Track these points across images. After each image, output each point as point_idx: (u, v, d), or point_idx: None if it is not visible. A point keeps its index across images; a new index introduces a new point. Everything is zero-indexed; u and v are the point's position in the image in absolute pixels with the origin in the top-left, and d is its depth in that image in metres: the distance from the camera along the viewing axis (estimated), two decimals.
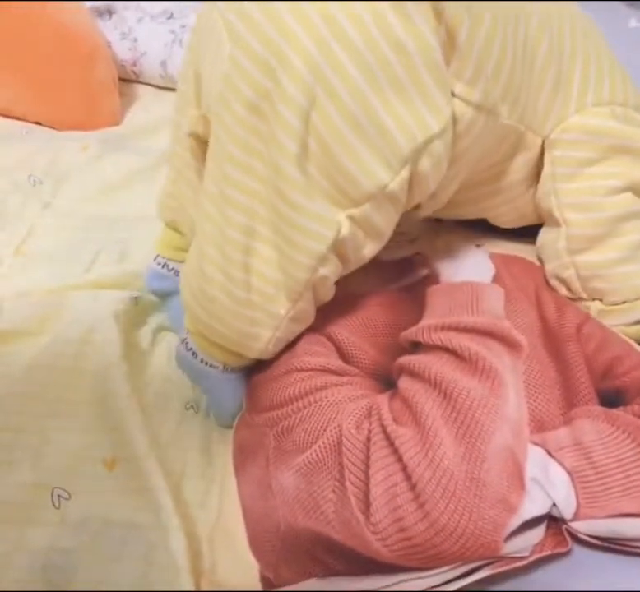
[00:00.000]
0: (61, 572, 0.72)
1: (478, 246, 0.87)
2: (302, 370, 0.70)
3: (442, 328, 0.65)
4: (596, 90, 0.80)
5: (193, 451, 0.86)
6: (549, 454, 0.58)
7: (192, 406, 0.91)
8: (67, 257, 1.12)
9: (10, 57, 1.35)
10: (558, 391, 0.70)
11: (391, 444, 0.56)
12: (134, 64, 1.54)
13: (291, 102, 0.59)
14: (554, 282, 0.89)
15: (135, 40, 1.52)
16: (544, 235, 0.89)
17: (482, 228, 0.95)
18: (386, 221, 0.68)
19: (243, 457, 0.74)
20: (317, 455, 0.60)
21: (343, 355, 0.75)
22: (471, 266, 0.79)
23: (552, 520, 0.56)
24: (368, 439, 0.58)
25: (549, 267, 0.88)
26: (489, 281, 0.77)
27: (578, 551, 0.55)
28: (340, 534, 0.57)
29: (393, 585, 0.55)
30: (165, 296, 0.99)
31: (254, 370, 0.79)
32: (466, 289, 0.70)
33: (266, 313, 0.71)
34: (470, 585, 0.53)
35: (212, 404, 0.86)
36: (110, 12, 1.56)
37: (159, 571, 0.73)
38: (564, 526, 0.55)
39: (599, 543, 0.54)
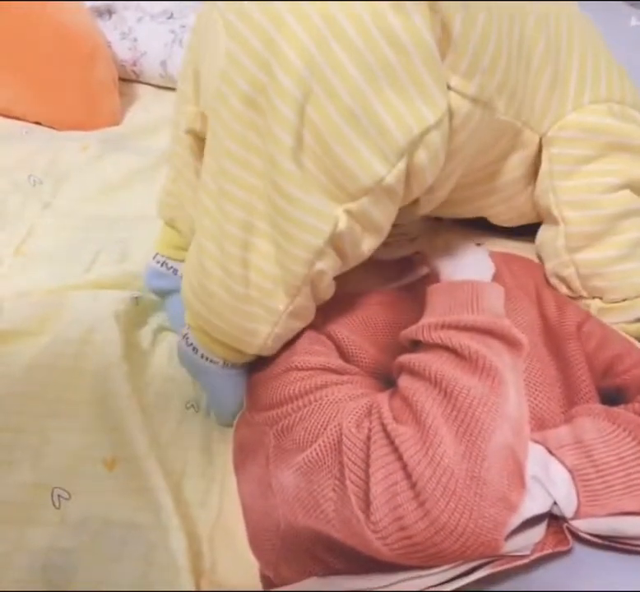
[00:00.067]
0: (61, 572, 0.72)
1: (478, 244, 0.87)
2: (302, 369, 0.70)
3: (443, 326, 0.65)
4: (593, 87, 0.80)
5: (194, 450, 0.86)
6: (550, 452, 0.58)
7: (192, 405, 0.91)
8: (67, 257, 1.12)
9: (10, 57, 1.35)
10: (559, 389, 0.70)
11: (392, 443, 0.56)
12: (134, 64, 1.54)
13: (286, 95, 0.59)
14: (553, 280, 0.89)
15: (135, 40, 1.52)
16: (543, 233, 0.89)
17: (482, 227, 0.95)
18: (384, 215, 0.68)
19: (243, 456, 0.74)
20: (317, 454, 0.60)
21: (343, 354, 0.75)
22: (471, 265, 0.79)
23: (553, 519, 0.55)
24: (369, 438, 0.58)
25: (549, 266, 0.88)
26: (489, 280, 0.77)
27: (579, 549, 0.55)
28: (340, 533, 0.57)
29: (393, 583, 0.55)
30: (165, 294, 1.00)
31: (254, 368, 0.80)
32: (466, 288, 0.70)
33: (264, 308, 0.71)
34: (470, 583, 0.53)
35: (212, 402, 0.86)
36: (110, 12, 1.56)
37: (159, 571, 0.73)
38: (565, 525, 0.55)
39: (600, 541, 0.54)
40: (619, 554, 0.55)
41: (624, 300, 0.85)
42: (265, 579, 0.67)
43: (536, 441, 0.59)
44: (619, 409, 0.65)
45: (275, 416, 0.68)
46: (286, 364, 0.73)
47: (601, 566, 0.54)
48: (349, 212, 0.65)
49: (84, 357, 0.90)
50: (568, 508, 0.54)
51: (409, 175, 0.65)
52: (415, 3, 0.57)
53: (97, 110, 1.44)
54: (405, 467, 0.54)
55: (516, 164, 0.82)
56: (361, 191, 0.64)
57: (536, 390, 0.67)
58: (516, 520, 0.52)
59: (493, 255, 0.84)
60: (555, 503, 0.55)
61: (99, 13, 1.55)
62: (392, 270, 0.89)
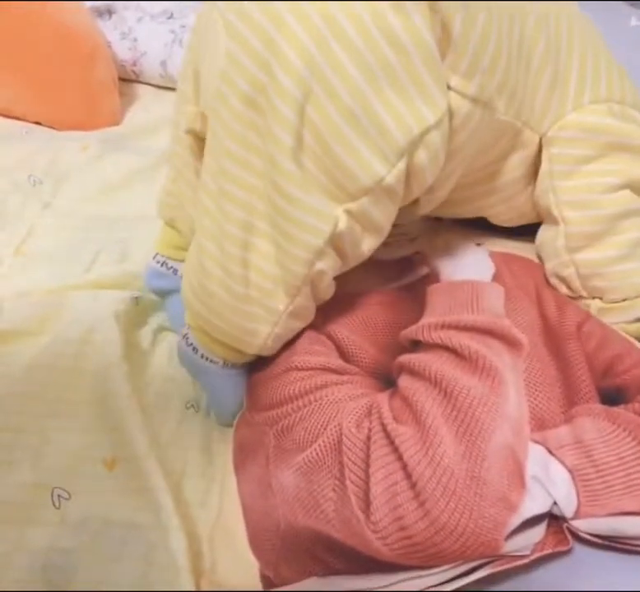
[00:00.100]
0: (61, 572, 0.72)
1: (478, 244, 0.87)
2: (302, 369, 0.70)
3: (443, 326, 0.65)
4: (593, 87, 0.80)
5: (194, 450, 0.86)
6: (550, 452, 0.58)
7: (192, 405, 0.91)
8: (67, 257, 1.12)
9: (10, 57, 1.35)
10: (559, 390, 0.70)
11: (392, 443, 0.56)
12: (134, 64, 1.54)
13: (286, 95, 0.59)
14: (554, 280, 0.89)
15: (135, 40, 1.52)
16: (542, 233, 0.89)
17: (482, 227, 0.95)
18: (384, 216, 0.68)
19: (243, 456, 0.74)
20: (317, 454, 0.60)
21: (343, 354, 0.75)
22: (471, 265, 0.79)
23: (553, 519, 0.55)
24: (369, 438, 0.58)
25: (549, 266, 0.88)
26: (489, 280, 0.77)
27: (579, 549, 0.55)
28: (340, 533, 0.57)
29: (393, 583, 0.55)
30: (165, 294, 1.00)
31: (254, 368, 0.79)
32: (466, 288, 0.70)
33: (264, 308, 0.71)
34: (470, 583, 0.53)
35: (212, 402, 0.86)
36: (110, 12, 1.56)
37: (159, 571, 0.73)
38: (565, 525, 0.55)
39: (600, 541, 0.54)
40: (619, 554, 0.55)
41: (624, 300, 0.85)
42: (265, 579, 0.67)
43: (536, 442, 0.59)
44: (619, 409, 0.65)
45: (275, 416, 0.68)
46: (286, 364, 0.73)
47: (601, 566, 0.54)
48: (349, 212, 0.65)
49: (84, 357, 0.90)
50: (568, 508, 0.54)
51: (409, 175, 0.65)
52: (415, 3, 0.57)
53: (97, 110, 1.44)
54: (405, 467, 0.54)
55: (516, 164, 0.82)
56: (361, 191, 0.64)
57: (536, 390, 0.67)
58: (516, 520, 0.52)
59: (493, 255, 0.84)
60: (555, 503, 0.55)
61: (99, 13, 1.55)
62: (392, 270, 0.89)
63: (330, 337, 0.76)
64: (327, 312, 0.78)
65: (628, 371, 0.74)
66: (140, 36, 1.52)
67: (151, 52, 1.52)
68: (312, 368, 0.70)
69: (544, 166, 0.81)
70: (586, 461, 0.56)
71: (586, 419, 0.62)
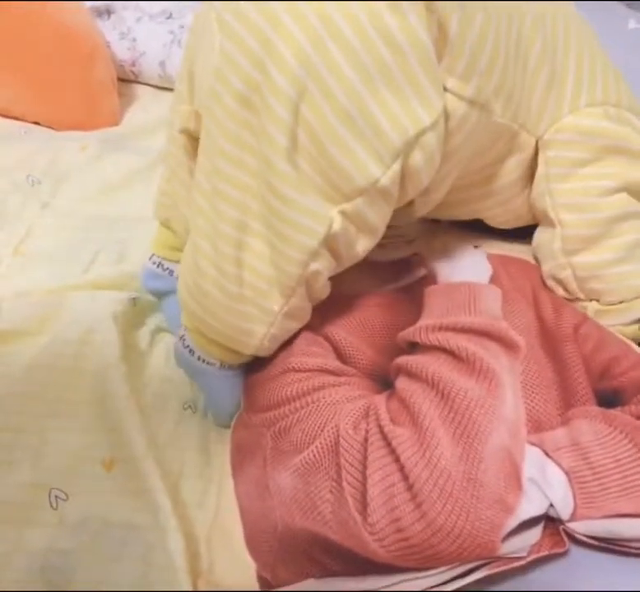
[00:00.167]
0: (59, 573, 0.72)
1: (476, 247, 0.87)
2: (299, 370, 0.70)
3: (440, 328, 0.65)
4: (590, 90, 0.80)
5: (191, 451, 0.86)
6: (547, 454, 0.58)
7: (189, 406, 0.91)
8: (66, 257, 1.12)
9: (10, 57, 1.35)
10: (556, 392, 0.70)
11: (389, 444, 0.56)
12: (133, 64, 1.54)
13: (281, 94, 0.59)
14: (550, 283, 0.89)
15: (134, 40, 1.52)
16: (539, 236, 0.89)
17: (480, 229, 0.95)
18: (378, 216, 0.68)
19: (240, 457, 0.74)
20: (314, 456, 0.60)
21: (340, 355, 0.75)
22: (469, 267, 0.79)
23: (549, 521, 0.55)
24: (366, 439, 0.58)
25: (546, 268, 0.88)
26: (487, 282, 0.77)
27: (576, 551, 0.55)
28: (337, 535, 0.57)
29: (390, 585, 0.55)
30: (161, 295, 1.00)
31: (252, 370, 0.79)
32: (464, 290, 0.70)
33: (259, 309, 0.71)
34: (467, 585, 0.53)
35: (210, 403, 0.87)
36: (109, 12, 1.56)
37: (157, 572, 0.73)
38: (562, 527, 0.55)
39: (596, 543, 0.54)
40: (616, 556, 0.55)
41: (621, 302, 0.85)
42: (262, 580, 0.67)
43: (533, 444, 0.59)
44: (615, 412, 0.65)
45: (272, 417, 0.68)
46: (283, 366, 0.72)
47: (598, 567, 0.54)
48: (343, 213, 0.65)
49: (83, 357, 0.90)
50: (564, 510, 0.54)
51: (404, 176, 0.65)
52: (412, 3, 0.57)
53: (96, 110, 1.44)
54: (402, 469, 0.54)
55: (512, 167, 0.82)
56: (356, 192, 0.63)
57: (533, 392, 0.67)
58: (512, 522, 0.52)
59: (490, 257, 0.84)
60: (552, 505, 0.55)
61: (99, 13, 1.55)
62: (390, 271, 0.89)
63: (327, 339, 0.76)
64: (325, 313, 0.78)
65: (624, 373, 0.74)
66: (139, 36, 1.52)
67: (150, 52, 1.52)
68: (309, 370, 0.70)
69: (541, 169, 0.81)
70: (583, 463, 0.57)
71: (583, 422, 0.62)
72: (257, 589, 0.68)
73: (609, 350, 0.78)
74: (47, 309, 0.97)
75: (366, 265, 0.75)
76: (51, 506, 0.76)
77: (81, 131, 1.42)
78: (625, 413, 0.65)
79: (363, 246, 0.71)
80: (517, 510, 0.53)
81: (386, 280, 0.88)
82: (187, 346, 0.79)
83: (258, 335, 0.73)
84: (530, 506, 0.54)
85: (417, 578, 0.54)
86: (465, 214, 0.90)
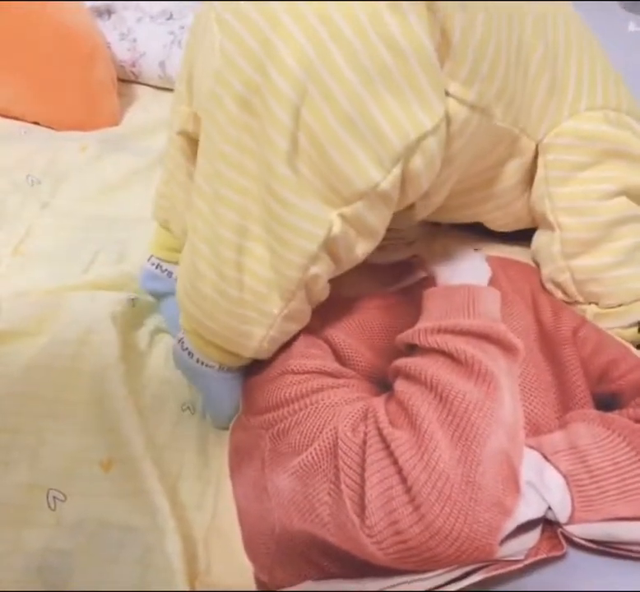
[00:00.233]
0: (57, 573, 0.72)
1: (476, 249, 0.87)
2: (298, 372, 0.70)
3: (439, 331, 0.65)
4: (590, 94, 0.80)
5: (189, 453, 0.86)
6: (545, 457, 0.58)
7: (188, 407, 0.91)
8: (66, 257, 1.12)
9: (10, 57, 1.35)
10: (554, 395, 0.70)
11: (387, 447, 0.56)
12: (133, 65, 1.54)
13: (281, 97, 0.58)
14: (549, 286, 0.89)
15: (134, 41, 1.52)
16: (538, 239, 0.89)
17: (479, 232, 0.95)
18: (378, 220, 0.68)
19: (238, 459, 0.74)
20: (312, 458, 0.60)
21: (339, 358, 0.75)
22: (468, 269, 0.79)
23: (547, 524, 0.56)
24: (364, 442, 0.58)
25: (545, 271, 0.88)
26: (486, 284, 0.77)
27: (573, 554, 0.55)
28: (335, 537, 0.57)
29: (388, 587, 0.55)
30: (160, 296, 1.00)
31: (251, 371, 0.79)
32: (463, 292, 0.70)
33: (259, 312, 0.70)
34: (465, 587, 0.53)
35: (208, 405, 0.86)
36: (109, 12, 1.56)
37: (155, 573, 0.73)
38: (559, 530, 0.55)
39: (594, 546, 0.54)
40: (613, 559, 0.55)
41: (620, 305, 0.85)
42: (259, 582, 0.67)
43: (531, 447, 0.59)
44: (613, 415, 0.65)
45: (270, 419, 0.68)
46: (282, 367, 0.72)
47: (595, 570, 0.54)
48: (343, 216, 0.65)
49: (81, 358, 0.90)
50: (562, 513, 0.54)
51: (404, 181, 0.65)
52: (413, 4, 0.56)
53: (96, 110, 1.44)
54: (400, 471, 0.54)
55: (513, 171, 0.81)
56: (356, 195, 0.63)
57: (531, 395, 0.67)
58: (510, 525, 0.52)
59: (489, 259, 0.84)
60: (550, 508, 0.55)
61: (99, 13, 1.55)
62: (389, 273, 0.89)
63: (326, 341, 0.76)
64: (324, 315, 0.78)
65: (623, 376, 0.74)
66: (139, 37, 1.52)
67: (150, 52, 1.52)
68: (308, 372, 0.70)
69: (540, 172, 0.81)
70: (581, 467, 0.57)
71: (581, 425, 0.62)
72: (255, 591, 0.68)
73: (607, 353, 0.78)
74: (46, 309, 0.96)
75: (365, 267, 0.75)
76: (49, 506, 0.76)
77: (80, 132, 1.42)
78: (623, 416, 0.65)
79: (362, 249, 0.71)
80: (514, 513, 0.53)
81: (385, 282, 0.88)
82: (186, 348, 0.79)
83: (257, 338, 0.72)
84: (528, 509, 0.54)
85: (415, 580, 0.54)
86: (465, 217, 0.90)
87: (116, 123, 1.48)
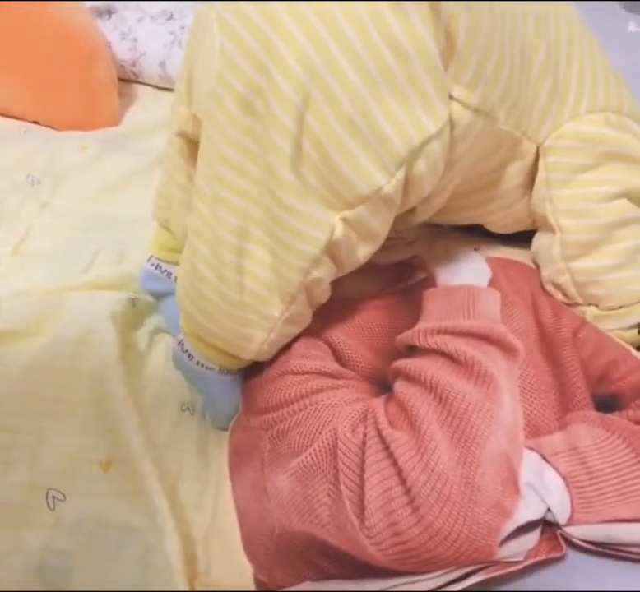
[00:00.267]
0: (57, 573, 0.73)
1: (476, 249, 0.87)
2: (297, 373, 0.70)
3: (439, 332, 0.65)
4: (591, 96, 0.80)
5: (189, 453, 0.86)
6: (544, 459, 0.58)
7: (188, 408, 0.91)
8: (66, 257, 1.12)
9: (10, 57, 1.34)
10: (554, 396, 0.70)
11: (387, 448, 0.56)
12: (133, 64, 1.54)
13: (285, 101, 0.58)
14: (549, 288, 0.89)
15: (134, 40, 1.52)
16: (538, 241, 0.89)
17: (480, 232, 0.94)
18: (380, 224, 0.67)
19: (238, 459, 0.74)
20: (312, 459, 0.60)
21: (339, 358, 0.75)
22: (468, 270, 0.79)
23: (547, 525, 0.56)
24: (364, 443, 0.58)
25: (545, 273, 0.88)
26: (486, 285, 0.77)
27: (573, 556, 0.55)
28: (334, 538, 0.57)
29: (387, 589, 0.55)
30: (160, 297, 0.99)
31: (250, 372, 0.79)
32: (463, 293, 0.70)
33: (259, 315, 0.70)
34: (464, 588, 0.53)
35: (208, 406, 0.86)
36: (110, 12, 1.56)
37: (154, 574, 0.73)
38: (559, 531, 0.55)
39: (593, 548, 0.54)
40: (613, 561, 0.55)
41: (620, 307, 0.85)
42: (259, 583, 0.67)
43: (531, 448, 0.59)
44: (613, 416, 0.65)
45: (270, 420, 0.68)
46: (282, 368, 0.72)
47: (595, 572, 0.54)
48: (345, 220, 0.64)
49: (81, 358, 0.90)
50: (561, 515, 0.54)
51: (407, 184, 0.64)
52: (415, 4, 0.56)
53: (96, 110, 1.44)
54: (399, 472, 0.54)
55: (514, 174, 0.81)
56: (358, 199, 0.63)
57: (531, 396, 0.67)
58: (510, 527, 0.52)
59: (490, 260, 0.84)
60: (549, 510, 0.55)
61: (99, 13, 1.55)
62: (389, 274, 0.89)
63: (326, 341, 0.76)
64: (324, 316, 0.78)
65: (623, 378, 0.74)
66: (139, 37, 1.52)
67: (151, 52, 1.52)
68: (307, 372, 0.70)
69: (541, 174, 0.81)
70: (581, 468, 0.56)
71: (581, 426, 0.62)
72: (254, 591, 0.68)
73: (607, 355, 0.78)
74: (45, 309, 0.96)
75: (365, 267, 0.74)
76: (48, 506, 0.76)
77: (80, 131, 1.41)
78: (623, 417, 0.65)
79: (364, 252, 0.70)
80: (514, 514, 0.53)
81: (385, 283, 0.88)
82: (186, 351, 0.79)
83: (258, 341, 0.72)
84: (527, 511, 0.54)
85: (414, 581, 0.54)
86: (465, 219, 0.90)
87: (116, 123, 1.47)
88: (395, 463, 0.55)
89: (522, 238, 0.93)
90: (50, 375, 0.88)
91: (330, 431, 0.61)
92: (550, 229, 0.84)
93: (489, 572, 0.53)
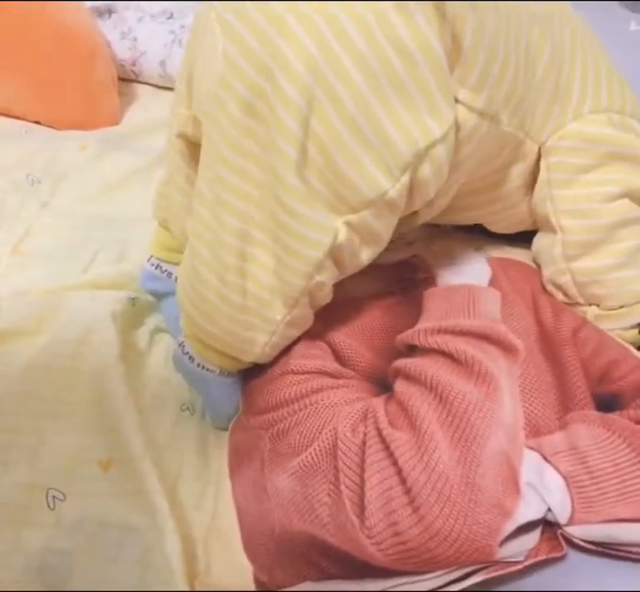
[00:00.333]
0: (57, 573, 0.72)
1: (476, 249, 0.87)
2: (298, 372, 0.70)
3: (439, 331, 0.65)
4: (594, 97, 0.79)
5: (189, 453, 0.86)
6: (545, 458, 0.58)
7: (188, 408, 0.91)
8: (65, 257, 1.12)
9: (10, 57, 1.34)
10: (554, 396, 0.70)
11: (387, 447, 0.56)
12: (133, 64, 1.54)
13: (290, 105, 0.57)
14: (550, 288, 0.88)
15: (135, 40, 1.52)
16: (539, 241, 0.89)
17: (480, 232, 0.94)
18: (384, 227, 0.67)
19: (238, 459, 0.74)
20: (312, 458, 0.60)
21: (339, 358, 0.75)
22: (468, 269, 0.79)
23: (547, 525, 0.55)
24: (364, 442, 0.58)
25: (546, 273, 0.88)
26: (486, 284, 0.77)
27: (573, 556, 0.55)
28: (334, 538, 0.57)
29: (388, 589, 0.55)
30: (160, 296, 0.99)
31: (250, 372, 0.79)
32: (463, 292, 0.70)
33: (261, 318, 0.70)
34: (465, 588, 0.53)
35: (208, 407, 0.86)
36: (110, 12, 1.56)
37: (154, 574, 0.73)
38: (559, 531, 0.55)
39: (594, 547, 0.54)
40: (613, 560, 0.55)
41: (621, 307, 0.85)
42: (259, 583, 0.67)
43: (531, 448, 0.59)
44: (614, 416, 0.65)
45: (270, 419, 0.68)
46: (282, 368, 0.72)
47: (595, 572, 0.54)
48: (349, 224, 0.64)
49: (81, 357, 0.90)
50: (562, 514, 0.54)
51: (412, 188, 0.64)
52: (420, 4, 0.55)
53: (96, 110, 1.44)
54: (400, 472, 0.54)
55: (516, 174, 0.81)
56: (363, 203, 0.62)
57: (531, 396, 0.67)
58: (510, 527, 0.52)
59: (490, 260, 0.84)
60: (550, 509, 0.54)
61: (99, 13, 1.55)
62: (389, 273, 0.89)
63: (326, 341, 0.76)
64: (324, 316, 0.77)
65: (623, 377, 0.74)
66: (139, 36, 1.52)
67: (151, 51, 1.51)
68: (308, 372, 0.70)
69: (543, 174, 0.80)
70: (581, 468, 0.56)
71: (581, 426, 0.62)
72: (254, 591, 0.68)
73: (608, 354, 0.77)
74: (45, 309, 0.96)
75: (366, 267, 0.74)
76: (48, 506, 0.76)
77: (81, 131, 1.41)
78: (624, 417, 0.65)
79: (367, 255, 0.70)
80: (514, 514, 0.53)
81: (385, 283, 0.88)
82: (187, 353, 0.79)
83: (260, 343, 0.72)
84: (527, 511, 0.53)
85: (414, 582, 0.54)
86: (467, 219, 0.90)
87: (116, 122, 1.47)
88: (395, 463, 0.55)
89: (523, 238, 0.93)
90: (50, 374, 0.88)
91: (330, 430, 0.61)
92: (551, 230, 0.84)
93: (489, 572, 0.53)
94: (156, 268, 0.96)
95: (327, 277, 0.68)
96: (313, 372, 0.70)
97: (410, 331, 0.68)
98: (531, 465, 0.56)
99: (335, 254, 0.66)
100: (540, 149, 0.79)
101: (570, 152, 0.79)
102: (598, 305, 0.86)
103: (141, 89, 1.59)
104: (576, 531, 0.54)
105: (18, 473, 0.79)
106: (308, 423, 0.64)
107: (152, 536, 0.75)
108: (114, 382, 0.87)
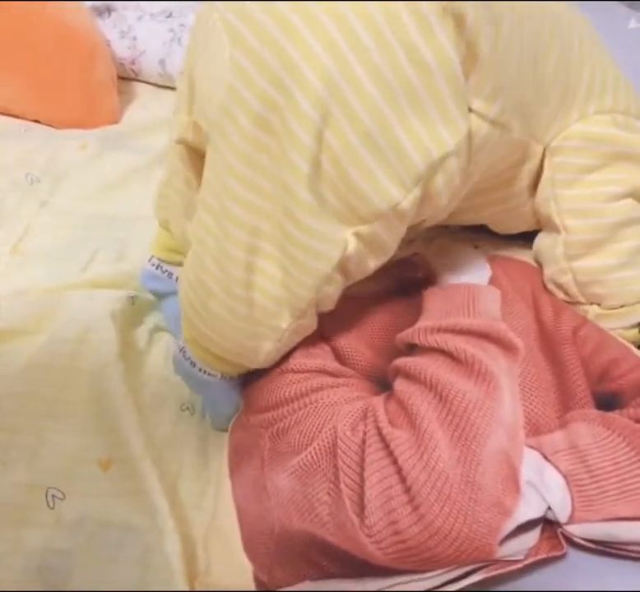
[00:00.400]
0: (57, 573, 0.73)
1: (476, 247, 0.87)
2: (298, 371, 0.70)
3: (439, 330, 0.65)
4: (600, 98, 0.79)
5: (189, 453, 0.86)
6: (545, 457, 0.58)
7: (187, 407, 0.91)
8: (65, 256, 1.12)
9: (10, 57, 1.34)
10: (554, 394, 0.70)
11: (387, 446, 0.56)
12: (133, 62, 1.54)
13: (304, 119, 0.55)
14: (551, 287, 0.88)
15: (134, 39, 1.51)
16: (541, 241, 0.88)
17: (480, 230, 0.94)
18: (392, 237, 0.66)
19: (238, 458, 0.74)
20: (312, 457, 0.60)
21: (339, 357, 0.75)
22: (468, 268, 0.79)
23: (547, 524, 0.55)
24: (364, 441, 0.58)
25: (547, 272, 0.88)
26: (486, 283, 0.77)
27: (573, 554, 0.55)
28: (334, 537, 0.57)
29: (387, 587, 0.55)
30: (160, 296, 0.99)
31: (251, 371, 0.79)
32: (463, 291, 0.70)
33: (268, 328, 0.69)
34: (464, 588, 0.53)
35: (209, 408, 0.86)
36: (109, 11, 1.56)
37: (154, 573, 0.73)
38: (559, 530, 0.55)
39: (594, 546, 0.54)
40: (613, 559, 0.54)
41: (622, 306, 0.85)
42: (259, 582, 0.67)
43: (531, 447, 0.59)
44: (614, 415, 0.65)
45: (270, 418, 0.68)
46: (282, 366, 0.73)
47: (595, 571, 0.54)
48: (358, 235, 0.63)
49: (80, 356, 0.90)
50: (562, 513, 0.54)
51: (423, 199, 0.63)
52: (437, 13, 0.53)
53: (96, 109, 1.44)
54: (399, 471, 0.54)
55: (521, 176, 0.80)
56: (374, 215, 0.61)
57: (531, 394, 0.67)
58: (510, 525, 0.52)
59: (490, 258, 0.84)
60: (550, 508, 0.54)
61: (99, 12, 1.55)
62: (389, 272, 0.89)
63: (326, 340, 0.76)
64: (324, 315, 0.77)
65: (623, 376, 0.74)
66: (139, 35, 1.51)
67: (150, 50, 1.51)
68: (308, 371, 0.70)
69: (546, 174, 0.80)
70: (581, 466, 0.56)
71: (581, 424, 0.62)
72: (254, 591, 0.68)
73: (608, 353, 0.77)
74: (44, 308, 0.96)
75: None
76: (48, 505, 0.76)
77: (80, 130, 1.41)
78: (624, 416, 0.64)
79: (374, 263, 0.69)
80: (514, 513, 0.52)
81: (385, 281, 0.88)
82: (188, 358, 0.78)
83: (265, 351, 0.71)
84: (528, 509, 0.53)
85: (414, 580, 0.54)
86: (470, 220, 0.89)
87: (116, 121, 1.47)
88: (395, 461, 0.55)
89: (524, 237, 0.93)
90: (49, 374, 0.88)
91: (330, 429, 0.61)
92: (555, 229, 0.84)
93: (489, 571, 0.53)
94: (157, 268, 0.95)
95: (335, 287, 0.67)
96: (313, 371, 0.70)
97: (409, 330, 0.68)
98: (531, 464, 0.56)
99: (343, 265, 0.65)
100: (544, 149, 0.79)
101: (574, 152, 0.78)
102: (599, 304, 0.86)
103: (140, 87, 1.59)
104: (576, 530, 0.54)
105: (18, 472, 0.79)
106: (308, 421, 0.64)
107: (152, 536, 0.75)
108: (114, 381, 0.87)
